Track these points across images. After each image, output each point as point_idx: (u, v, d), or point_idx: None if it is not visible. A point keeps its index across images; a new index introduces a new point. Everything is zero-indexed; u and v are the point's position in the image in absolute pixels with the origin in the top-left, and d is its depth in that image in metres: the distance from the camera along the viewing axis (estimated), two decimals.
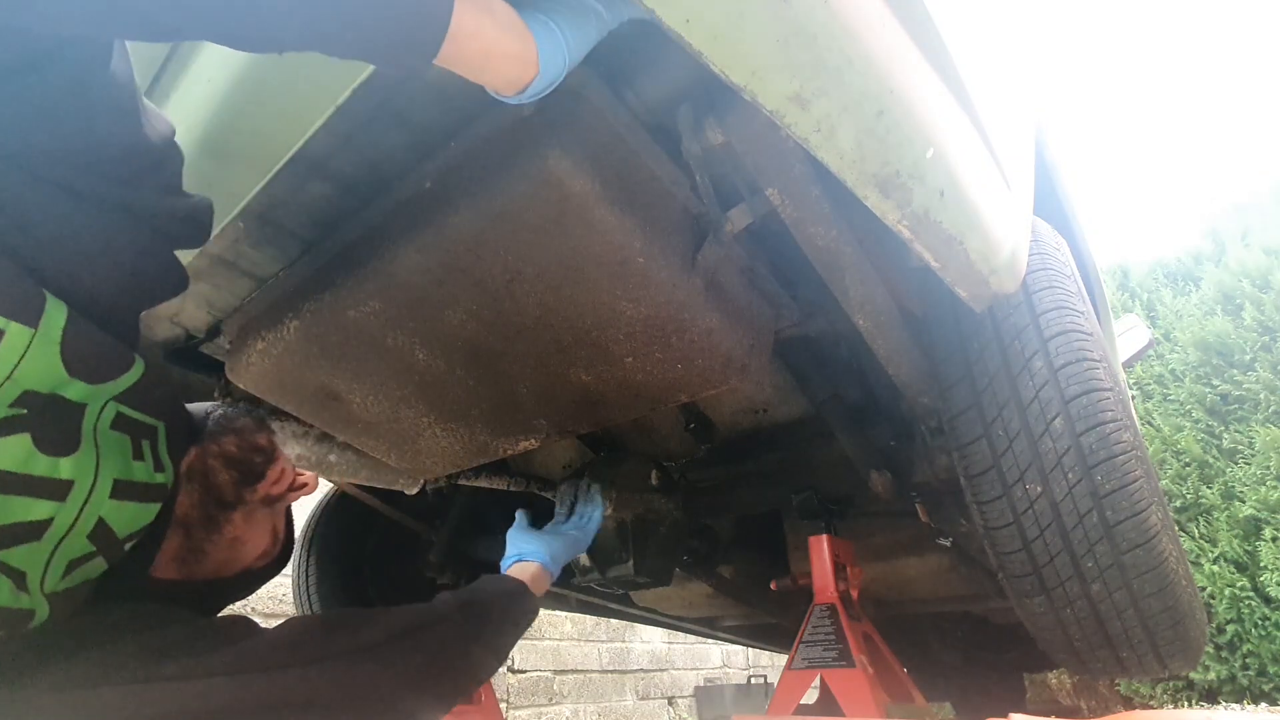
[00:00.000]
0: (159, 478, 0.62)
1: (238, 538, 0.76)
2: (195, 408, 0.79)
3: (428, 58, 0.51)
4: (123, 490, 0.59)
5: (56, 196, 0.55)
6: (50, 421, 0.53)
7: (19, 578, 0.53)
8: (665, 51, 0.68)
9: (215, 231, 0.81)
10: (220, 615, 0.68)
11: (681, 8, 0.49)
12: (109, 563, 0.61)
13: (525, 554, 1.03)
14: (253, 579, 0.81)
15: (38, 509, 0.54)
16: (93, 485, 0.57)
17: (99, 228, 0.57)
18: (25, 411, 0.52)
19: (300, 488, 0.85)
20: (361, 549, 1.91)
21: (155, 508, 0.64)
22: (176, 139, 0.63)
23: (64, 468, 0.54)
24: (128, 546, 0.62)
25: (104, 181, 0.57)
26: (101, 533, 0.59)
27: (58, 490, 0.55)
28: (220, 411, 0.79)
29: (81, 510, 0.56)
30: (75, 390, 0.55)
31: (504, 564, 1.03)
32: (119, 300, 0.61)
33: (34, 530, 0.54)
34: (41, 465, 0.53)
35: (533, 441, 1.10)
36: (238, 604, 0.85)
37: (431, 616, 0.73)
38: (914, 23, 0.67)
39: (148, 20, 0.44)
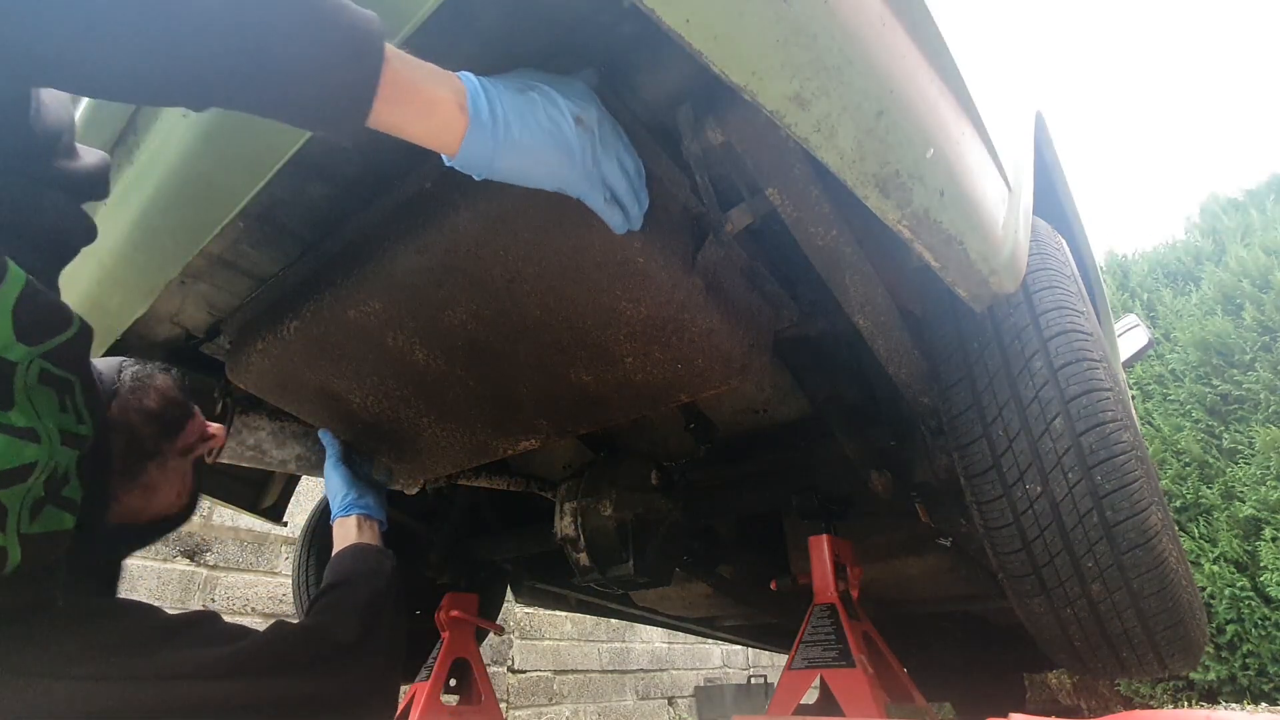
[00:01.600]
0: (81, 429, 0.65)
1: (151, 486, 0.83)
2: (105, 363, 0.83)
3: (358, 123, 0.53)
4: (68, 440, 0.62)
5: None
6: None
7: (1, 514, 0.56)
8: (665, 51, 0.68)
9: (215, 231, 0.81)
10: (185, 611, 0.72)
11: (681, 8, 0.49)
12: (72, 515, 0.63)
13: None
14: (159, 528, 0.87)
15: (27, 451, 0.57)
16: (45, 433, 0.59)
17: (23, 198, 0.63)
18: None
19: (209, 439, 0.92)
20: None
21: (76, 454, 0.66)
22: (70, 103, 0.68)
23: (14, 418, 0.57)
24: (66, 491, 0.64)
25: (20, 159, 0.62)
26: (54, 479, 0.61)
27: (30, 434, 0.57)
28: (136, 368, 0.85)
29: (52, 454, 0.60)
30: (15, 351, 0.58)
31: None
32: (47, 260, 0.66)
33: (25, 471, 0.57)
34: None
35: (533, 442, 1.10)
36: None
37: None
38: (914, 22, 0.67)
39: (83, 84, 0.49)
